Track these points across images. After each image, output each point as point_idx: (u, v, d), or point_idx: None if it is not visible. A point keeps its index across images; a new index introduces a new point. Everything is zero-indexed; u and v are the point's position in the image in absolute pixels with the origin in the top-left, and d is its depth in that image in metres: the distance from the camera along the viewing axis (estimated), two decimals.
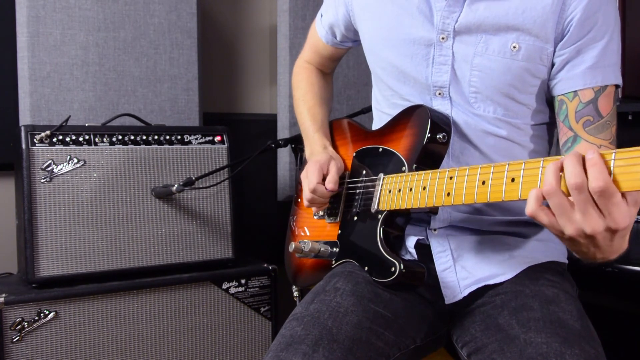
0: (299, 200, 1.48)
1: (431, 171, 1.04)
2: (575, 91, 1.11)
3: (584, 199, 0.79)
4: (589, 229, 0.80)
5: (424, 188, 1.04)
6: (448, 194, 0.99)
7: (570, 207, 0.81)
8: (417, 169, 1.13)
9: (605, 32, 1.09)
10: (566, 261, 1.26)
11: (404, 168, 1.15)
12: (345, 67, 2.33)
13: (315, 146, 1.37)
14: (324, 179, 1.26)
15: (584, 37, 1.08)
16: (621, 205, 0.78)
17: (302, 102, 1.47)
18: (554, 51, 1.11)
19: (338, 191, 1.26)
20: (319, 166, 1.27)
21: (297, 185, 1.52)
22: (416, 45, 1.17)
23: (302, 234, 1.42)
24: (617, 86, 1.12)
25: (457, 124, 1.17)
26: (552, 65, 1.12)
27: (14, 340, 1.59)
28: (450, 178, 0.99)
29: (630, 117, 1.91)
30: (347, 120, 1.43)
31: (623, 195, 0.78)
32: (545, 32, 1.09)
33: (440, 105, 1.18)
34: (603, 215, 0.79)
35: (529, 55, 1.10)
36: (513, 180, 0.87)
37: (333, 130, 1.44)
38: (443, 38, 1.14)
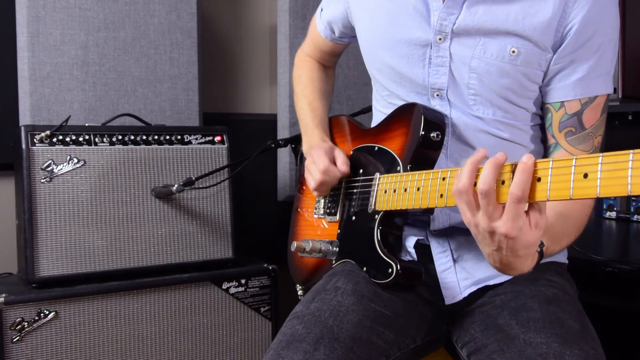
0: (302, 197, 1.48)
1: (425, 172, 1.04)
2: (562, 102, 1.11)
3: (483, 200, 0.85)
4: (482, 224, 0.86)
5: (418, 189, 1.04)
6: (441, 196, 0.98)
7: (476, 205, 0.86)
8: (412, 169, 1.12)
9: (601, 44, 1.08)
10: (566, 261, 1.26)
11: (398, 168, 1.15)
12: (345, 67, 2.33)
13: (315, 140, 1.37)
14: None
15: (578, 48, 1.07)
16: (519, 216, 0.82)
17: (302, 96, 1.47)
18: (552, 58, 1.10)
19: (348, 173, 1.26)
20: (324, 151, 1.27)
21: (299, 184, 1.52)
22: (412, 46, 1.16)
23: (305, 232, 1.42)
24: (608, 94, 1.12)
25: (456, 125, 1.16)
26: (547, 71, 1.12)
27: (14, 340, 1.59)
28: (443, 179, 0.98)
29: (630, 117, 1.91)
30: (344, 117, 1.43)
31: (527, 213, 0.84)
32: (545, 39, 1.08)
33: (438, 106, 1.17)
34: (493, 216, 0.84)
35: (527, 61, 1.09)
36: (503, 182, 0.86)
37: (332, 127, 1.44)
38: (440, 39, 1.13)
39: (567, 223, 1.05)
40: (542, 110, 1.18)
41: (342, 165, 1.24)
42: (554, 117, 1.13)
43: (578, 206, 1.07)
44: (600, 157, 0.74)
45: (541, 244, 0.94)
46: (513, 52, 1.09)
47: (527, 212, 0.85)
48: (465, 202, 0.87)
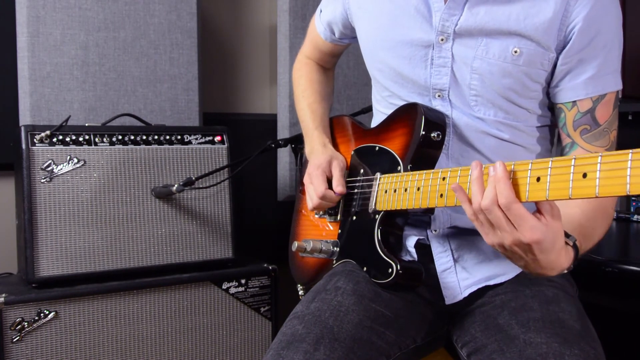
0: (302, 198, 1.48)
1: (425, 172, 1.04)
2: (574, 101, 1.11)
3: (493, 215, 0.87)
4: (506, 241, 0.87)
5: (418, 189, 1.04)
6: (441, 195, 0.98)
7: (489, 222, 0.89)
8: (412, 169, 1.12)
9: (607, 41, 1.08)
10: None
11: (399, 167, 1.15)
12: (345, 67, 2.33)
13: (315, 143, 1.37)
14: (329, 181, 1.26)
15: (585, 47, 1.07)
16: (527, 218, 0.84)
17: (302, 99, 1.47)
18: (557, 58, 1.10)
19: (345, 193, 1.26)
20: (321, 170, 1.26)
21: (299, 184, 1.52)
22: (414, 47, 1.16)
23: (306, 232, 1.42)
24: (618, 90, 1.12)
25: (458, 126, 1.16)
26: (553, 72, 1.11)
27: (14, 340, 1.59)
28: (443, 179, 0.98)
29: (630, 117, 1.91)
30: (346, 117, 1.43)
31: (539, 211, 0.86)
32: (547, 39, 1.07)
33: (440, 107, 1.17)
34: (512, 229, 0.86)
35: (530, 61, 1.09)
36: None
37: (333, 127, 1.44)
38: (442, 40, 1.13)
39: (594, 220, 1.05)
40: (552, 111, 1.18)
41: (338, 186, 1.24)
42: (568, 117, 1.13)
43: (601, 201, 1.06)
44: (599, 157, 0.74)
45: (572, 237, 0.94)
46: (515, 52, 1.09)
47: (539, 211, 0.86)
48: (484, 221, 0.89)
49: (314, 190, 1.25)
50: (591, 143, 1.11)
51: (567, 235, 0.94)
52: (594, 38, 1.07)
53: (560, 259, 0.91)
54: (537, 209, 0.87)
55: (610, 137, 1.12)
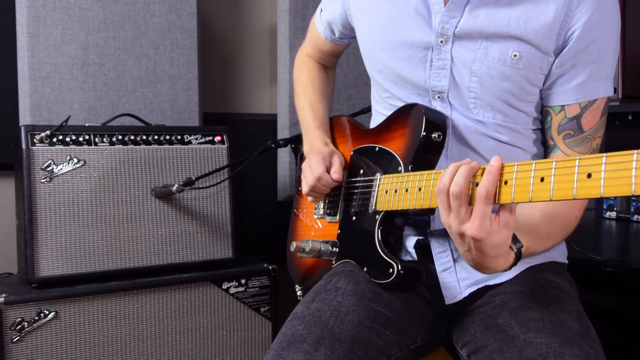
0: (300, 198, 1.48)
1: (426, 172, 1.04)
2: (563, 105, 1.11)
3: (454, 202, 0.90)
4: (454, 226, 0.90)
5: (420, 189, 1.04)
6: None
7: (449, 207, 0.91)
8: (413, 169, 1.12)
9: (602, 47, 1.08)
10: (566, 261, 1.26)
11: (400, 168, 1.15)
12: (345, 67, 2.33)
13: (316, 142, 1.37)
14: (327, 171, 1.26)
15: (579, 52, 1.07)
16: (485, 217, 0.87)
17: (303, 97, 1.47)
18: (554, 61, 1.09)
19: (342, 182, 1.26)
20: (322, 157, 1.27)
21: (298, 184, 1.52)
22: (413, 48, 1.16)
23: (304, 233, 1.42)
24: (608, 97, 1.12)
25: (457, 127, 1.16)
26: (548, 75, 1.11)
27: (14, 340, 1.59)
28: None
29: (630, 117, 1.91)
30: (345, 117, 1.43)
31: (498, 213, 0.88)
32: (547, 43, 1.07)
33: (439, 108, 1.17)
34: (465, 218, 0.89)
35: (529, 64, 1.09)
36: (506, 182, 0.86)
37: (333, 127, 1.44)
38: (442, 42, 1.13)
39: (553, 224, 1.06)
40: (541, 112, 1.18)
41: (335, 173, 1.25)
42: (554, 120, 1.13)
43: (566, 208, 1.07)
44: (604, 157, 0.74)
45: (519, 244, 0.95)
46: (515, 55, 1.08)
47: (497, 213, 0.88)
48: (442, 202, 0.91)
49: (310, 172, 1.25)
50: (572, 148, 1.12)
51: (516, 240, 0.95)
52: (590, 44, 1.07)
53: (496, 264, 0.93)
54: (497, 210, 0.88)
55: (593, 145, 1.12)
